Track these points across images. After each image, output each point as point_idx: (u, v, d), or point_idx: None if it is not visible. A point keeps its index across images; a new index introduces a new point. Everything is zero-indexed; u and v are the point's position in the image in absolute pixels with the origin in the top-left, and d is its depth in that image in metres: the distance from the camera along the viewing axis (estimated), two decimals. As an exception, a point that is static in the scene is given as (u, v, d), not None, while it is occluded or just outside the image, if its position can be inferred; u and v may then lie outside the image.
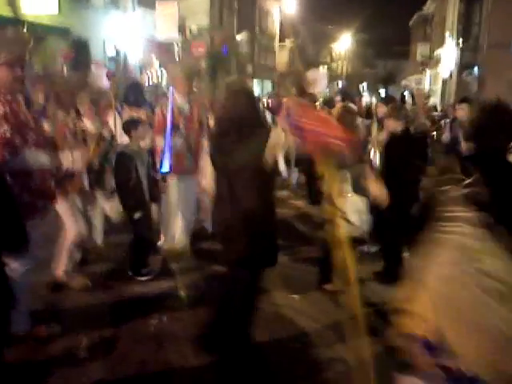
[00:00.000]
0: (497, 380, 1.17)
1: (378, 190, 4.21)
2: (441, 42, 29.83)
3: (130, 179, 4.62)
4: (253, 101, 3.18)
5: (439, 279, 1.28)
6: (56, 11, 13.88)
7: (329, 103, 8.51)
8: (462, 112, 6.02)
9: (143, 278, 4.76)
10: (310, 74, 9.74)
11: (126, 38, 17.78)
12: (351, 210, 4.20)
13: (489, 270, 1.19)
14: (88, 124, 4.86)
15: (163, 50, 19.94)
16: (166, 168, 4.98)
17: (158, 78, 14.13)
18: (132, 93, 6.01)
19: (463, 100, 6.44)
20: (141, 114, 5.81)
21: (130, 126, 4.81)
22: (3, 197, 1.99)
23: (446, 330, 1.21)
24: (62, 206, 4.21)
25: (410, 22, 43.83)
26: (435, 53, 31.85)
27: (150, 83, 12.35)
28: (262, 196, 2.95)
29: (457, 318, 1.18)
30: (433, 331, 1.24)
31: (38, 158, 3.34)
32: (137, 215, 4.68)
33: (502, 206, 1.50)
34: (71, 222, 4.36)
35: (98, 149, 4.76)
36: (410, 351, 1.32)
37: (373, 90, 48.98)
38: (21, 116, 3.27)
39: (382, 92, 44.43)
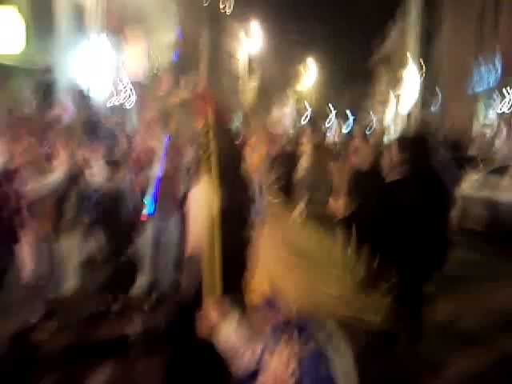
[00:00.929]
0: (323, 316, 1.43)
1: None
2: (399, 81, 30.64)
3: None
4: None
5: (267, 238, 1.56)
6: (21, 49, 13.37)
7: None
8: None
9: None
10: (275, 114, 9.88)
11: (93, 72, 17.64)
12: None
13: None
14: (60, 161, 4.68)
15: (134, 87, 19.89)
16: (150, 208, 4.83)
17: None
18: (89, 129, 5.92)
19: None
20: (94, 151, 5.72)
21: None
22: None
23: (278, 283, 1.43)
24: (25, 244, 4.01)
25: (369, 63, 45.05)
26: (394, 92, 32.70)
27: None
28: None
29: (283, 265, 1.43)
30: (270, 288, 1.47)
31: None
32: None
33: None
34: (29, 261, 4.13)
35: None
36: (258, 312, 1.52)
37: (341, 116, 50.11)
38: None
39: (351, 117, 45.51)
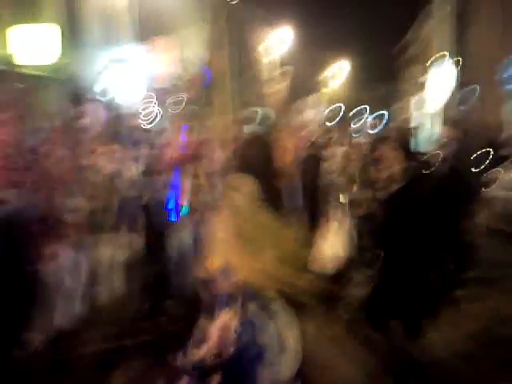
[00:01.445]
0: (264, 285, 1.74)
1: None
2: (428, 67, 30.06)
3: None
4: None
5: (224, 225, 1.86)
6: (55, 59, 13.80)
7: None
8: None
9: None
10: (304, 103, 9.82)
11: (124, 77, 17.96)
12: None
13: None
14: (102, 164, 4.78)
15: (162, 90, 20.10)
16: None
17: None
18: (120, 137, 6.01)
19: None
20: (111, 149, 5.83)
21: None
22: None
23: (229, 257, 1.74)
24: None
25: (396, 49, 44.36)
26: (423, 77, 32.11)
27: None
28: None
29: (233, 245, 1.75)
30: (223, 261, 1.77)
31: (46, 204, 3.35)
32: None
33: None
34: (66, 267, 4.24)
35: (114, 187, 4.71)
36: (212, 282, 1.81)
37: (374, 112, 49.48)
38: (28, 163, 3.28)
39: (385, 114, 45.00)
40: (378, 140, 4.17)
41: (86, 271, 4.38)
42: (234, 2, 24.36)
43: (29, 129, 3.61)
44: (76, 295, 4.28)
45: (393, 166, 3.61)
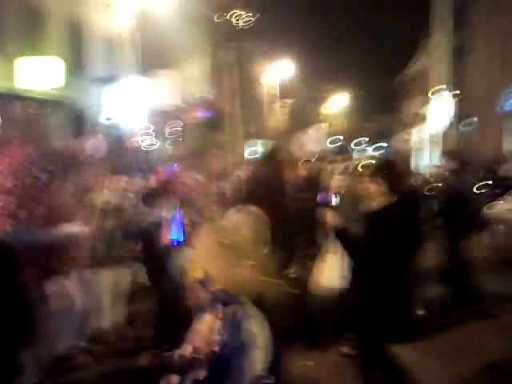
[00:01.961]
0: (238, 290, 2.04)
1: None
2: (427, 100, 30.45)
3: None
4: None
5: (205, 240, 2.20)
6: (61, 83, 14.36)
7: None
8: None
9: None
10: (305, 134, 9.92)
11: (124, 107, 18.21)
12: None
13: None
14: (105, 195, 4.77)
15: (164, 117, 20.48)
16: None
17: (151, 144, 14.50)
18: (121, 163, 6.05)
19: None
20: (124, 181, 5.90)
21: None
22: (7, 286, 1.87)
23: (208, 268, 2.04)
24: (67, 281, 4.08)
25: (396, 80, 45.12)
26: (422, 110, 32.48)
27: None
28: None
29: (212, 258, 2.05)
30: (203, 272, 2.07)
31: (46, 233, 3.34)
32: None
33: None
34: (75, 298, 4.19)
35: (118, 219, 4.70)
36: (194, 291, 2.11)
37: (373, 144, 49.79)
38: (30, 190, 3.29)
39: (384, 145, 45.33)
40: (366, 171, 4.10)
41: (84, 300, 4.33)
42: (242, 26, 24.77)
43: (36, 154, 3.60)
44: (74, 322, 4.23)
45: (374, 198, 3.49)
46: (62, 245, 3.63)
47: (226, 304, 2.03)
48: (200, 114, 19.92)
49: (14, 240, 3.07)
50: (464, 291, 5.88)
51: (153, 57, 21.39)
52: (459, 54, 25.86)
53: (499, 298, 6.23)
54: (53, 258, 3.47)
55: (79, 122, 15.73)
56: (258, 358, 1.99)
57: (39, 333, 3.25)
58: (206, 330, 2.05)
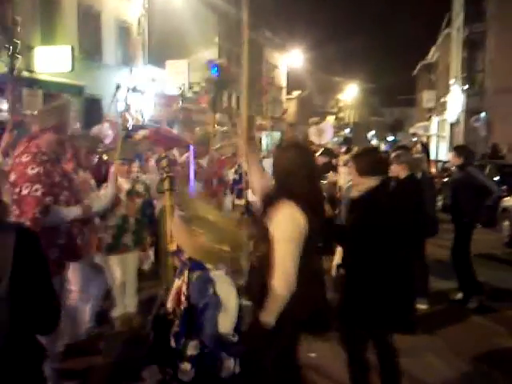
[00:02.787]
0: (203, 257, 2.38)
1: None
2: (446, 89, 30.34)
3: None
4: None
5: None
6: (69, 69, 14.82)
7: (330, 152, 8.61)
8: (452, 159, 6.49)
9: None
10: (316, 126, 9.91)
11: (136, 94, 18.32)
12: None
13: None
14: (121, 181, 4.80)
15: (172, 103, 20.56)
16: None
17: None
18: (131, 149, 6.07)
19: (454, 148, 6.92)
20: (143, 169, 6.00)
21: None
22: (39, 272, 1.91)
23: (180, 243, 2.44)
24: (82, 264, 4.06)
25: (414, 71, 44.79)
26: (441, 100, 32.32)
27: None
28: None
29: (179, 231, 2.46)
30: (175, 244, 2.51)
31: (67, 214, 3.43)
32: None
33: None
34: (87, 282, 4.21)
35: (134, 205, 4.76)
36: (175, 259, 2.58)
37: (381, 138, 49.39)
38: (54, 176, 3.36)
39: (390, 139, 44.87)
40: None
41: (99, 287, 4.36)
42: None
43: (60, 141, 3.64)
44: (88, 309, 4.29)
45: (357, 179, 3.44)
46: (84, 229, 3.67)
47: (191, 270, 2.35)
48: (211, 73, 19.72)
49: (42, 226, 3.17)
50: (470, 285, 5.83)
51: (162, 45, 21.45)
52: (470, 47, 25.62)
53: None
54: (72, 242, 3.52)
55: (93, 108, 15.89)
56: (225, 319, 2.28)
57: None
58: (174, 292, 2.42)
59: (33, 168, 3.26)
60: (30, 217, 3.19)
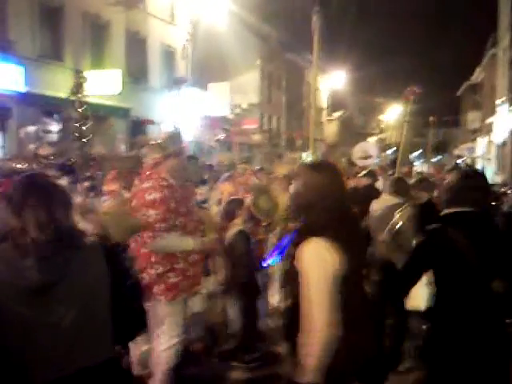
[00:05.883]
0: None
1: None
2: (491, 110, 29.59)
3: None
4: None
5: None
6: (119, 91, 15.38)
7: (373, 174, 8.40)
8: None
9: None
10: (361, 146, 9.86)
11: (180, 116, 18.74)
12: None
13: None
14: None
15: (217, 126, 20.94)
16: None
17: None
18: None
19: None
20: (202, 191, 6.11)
21: (235, 207, 4.82)
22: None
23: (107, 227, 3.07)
24: None
25: (459, 92, 43.97)
26: (486, 121, 31.56)
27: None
28: None
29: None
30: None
31: (178, 244, 3.43)
32: None
33: None
34: None
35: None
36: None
37: (425, 159, 48.41)
38: (171, 202, 3.37)
39: (435, 160, 43.89)
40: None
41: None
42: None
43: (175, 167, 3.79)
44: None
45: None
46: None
47: (113, 245, 2.65)
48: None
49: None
50: None
51: (205, 68, 21.92)
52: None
53: None
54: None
55: (138, 131, 16.38)
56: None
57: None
58: None
59: (150, 194, 3.34)
60: (141, 241, 3.36)
